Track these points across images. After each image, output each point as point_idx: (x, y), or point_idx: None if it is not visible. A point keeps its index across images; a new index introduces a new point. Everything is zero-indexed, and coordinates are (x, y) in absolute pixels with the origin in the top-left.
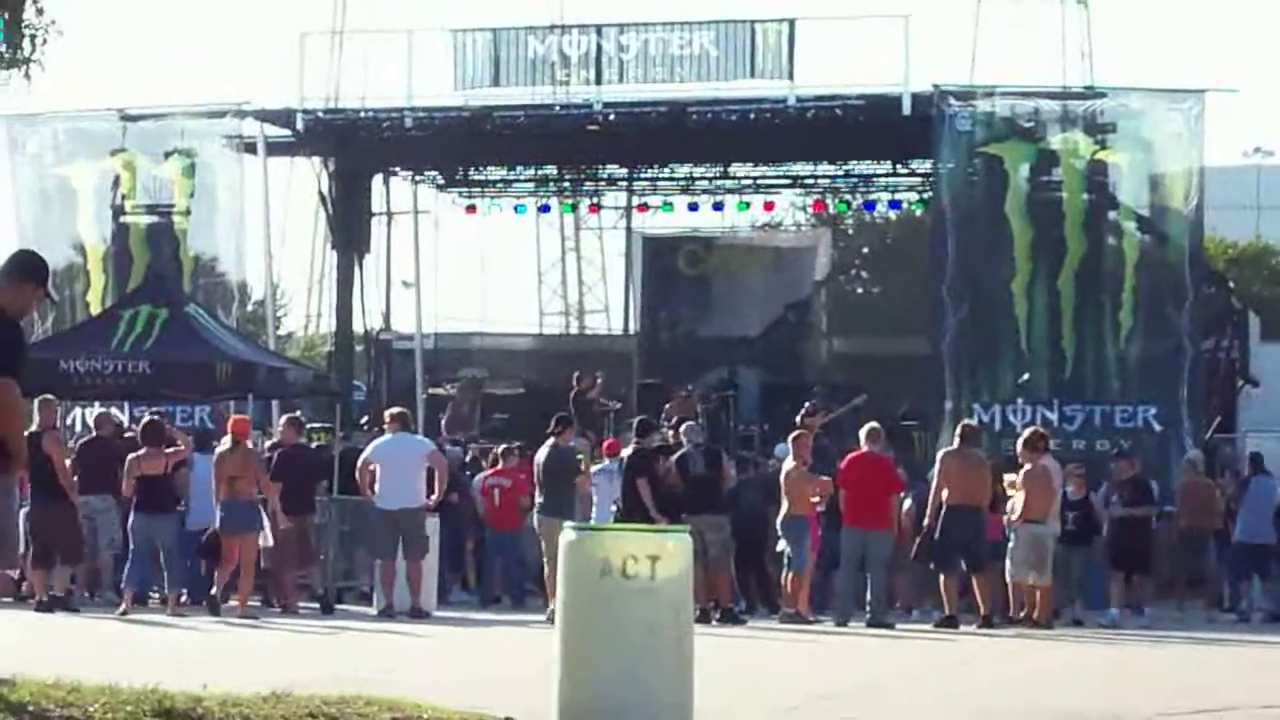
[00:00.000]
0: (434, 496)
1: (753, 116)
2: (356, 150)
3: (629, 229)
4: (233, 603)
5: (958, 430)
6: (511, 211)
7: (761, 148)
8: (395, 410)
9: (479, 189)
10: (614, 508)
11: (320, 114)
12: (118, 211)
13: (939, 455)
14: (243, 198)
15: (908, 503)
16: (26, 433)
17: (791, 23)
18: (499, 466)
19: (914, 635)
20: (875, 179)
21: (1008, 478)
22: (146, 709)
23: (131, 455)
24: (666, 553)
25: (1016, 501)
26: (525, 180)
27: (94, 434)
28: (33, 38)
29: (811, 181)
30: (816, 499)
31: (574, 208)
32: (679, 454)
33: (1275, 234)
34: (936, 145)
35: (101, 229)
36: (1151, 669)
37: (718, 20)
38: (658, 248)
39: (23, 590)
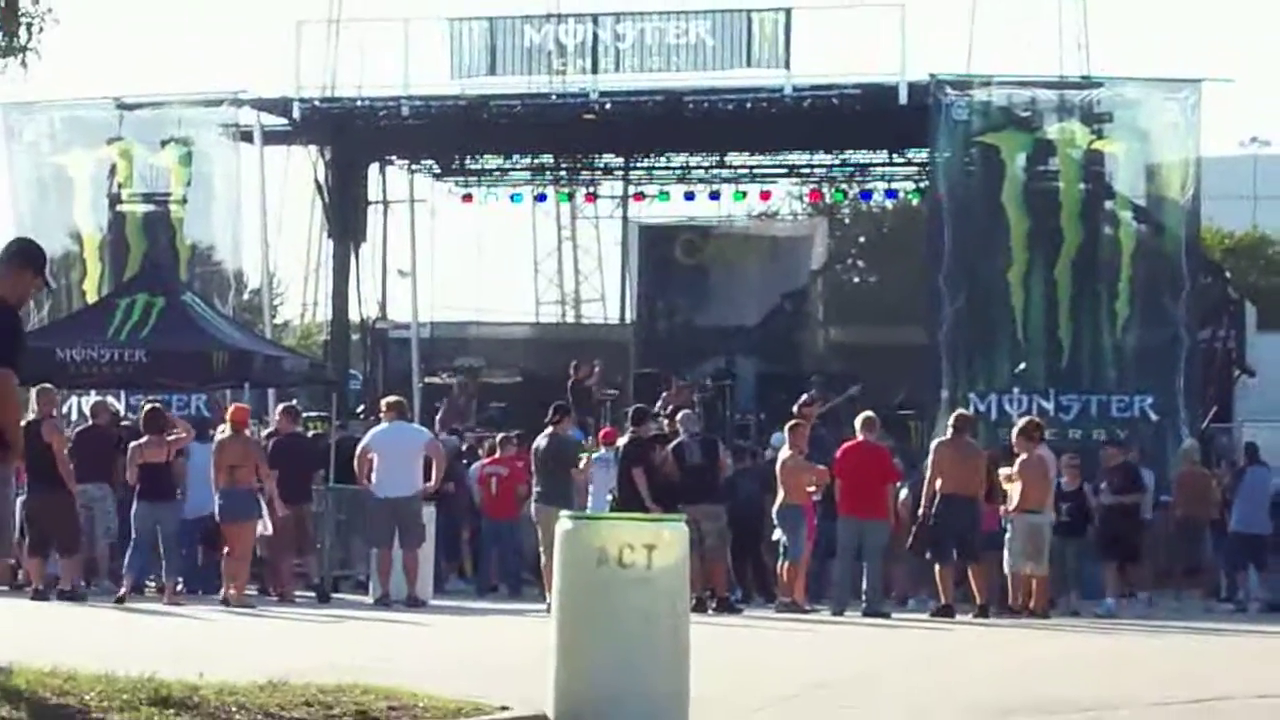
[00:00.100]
0: (431, 483)
1: (749, 106)
2: (353, 139)
3: (625, 218)
4: (231, 591)
5: (951, 420)
6: (508, 200)
7: (758, 137)
8: (391, 399)
9: (475, 178)
10: (610, 497)
11: (317, 103)
12: (114, 200)
13: (933, 445)
14: (239, 186)
15: (904, 492)
16: (25, 421)
17: (788, 12)
18: (496, 455)
19: (910, 625)
20: (872, 168)
21: (1002, 472)
22: (143, 697)
23: (134, 443)
24: (663, 542)
25: (1013, 492)
26: (521, 169)
27: (90, 422)
28: (29, 26)
29: (808, 171)
30: (812, 488)
31: (570, 197)
32: (675, 443)
33: (1272, 224)
34: (933, 134)
35: (98, 218)
36: (1148, 658)
37: (714, 10)
38: (654, 237)
39: (19, 579)
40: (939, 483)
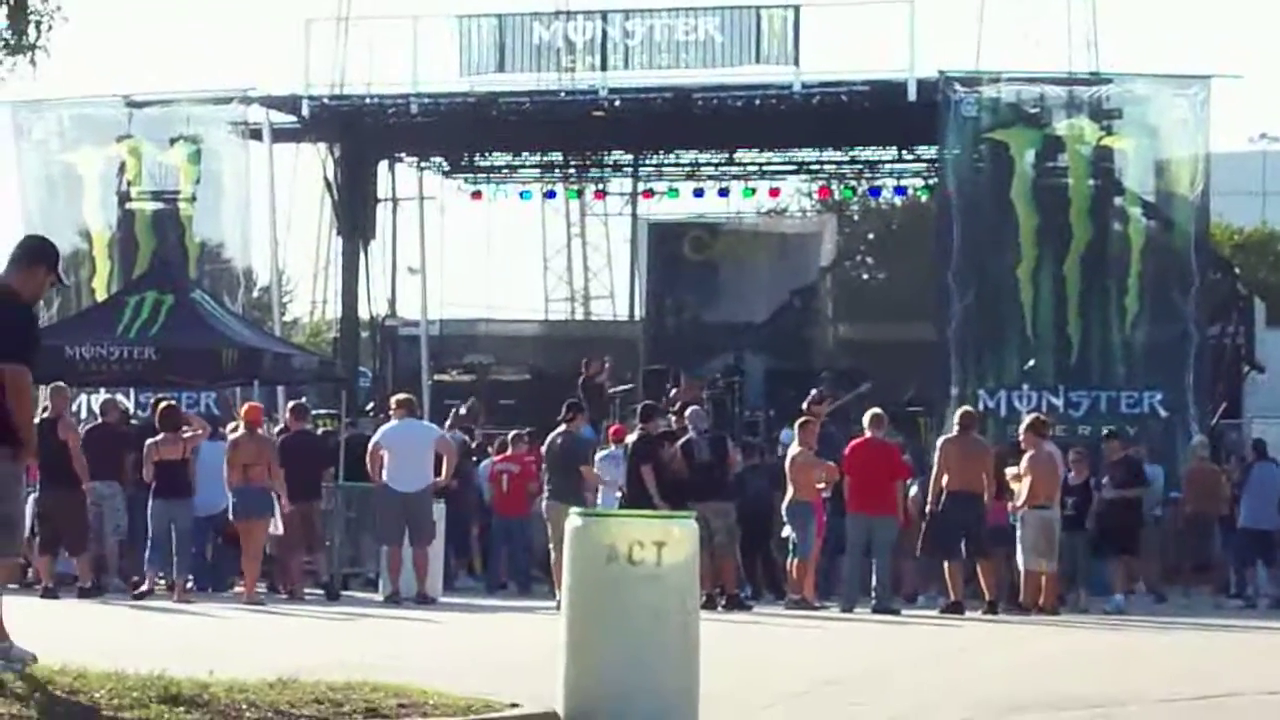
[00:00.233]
0: (442, 476)
1: (758, 102)
2: (362, 136)
3: (634, 215)
4: (238, 589)
5: (957, 417)
6: (517, 197)
7: (767, 133)
8: (401, 396)
9: (484, 175)
10: (619, 494)
11: (326, 100)
12: (123, 198)
13: (939, 442)
14: (248, 184)
15: (914, 489)
16: (39, 419)
17: (797, 9)
18: (508, 453)
19: (920, 621)
20: (881, 165)
21: (1009, 471)
22: (153, 695)
23: (149, 441)
24: (672, 539)
25: (1021, 487)
26: (531, 166)
27: (100, 420)
28: (38, 24)
29: (817, 167)
30: (822, 484)
31: (579, 194)
32: (684, 440)
33: None
34: (942, 131)
35: (107, 215)
36: (1157, 655)
37: (723, 6)
38: (663, 234)
39: (28, 577)
40: (945, 479)
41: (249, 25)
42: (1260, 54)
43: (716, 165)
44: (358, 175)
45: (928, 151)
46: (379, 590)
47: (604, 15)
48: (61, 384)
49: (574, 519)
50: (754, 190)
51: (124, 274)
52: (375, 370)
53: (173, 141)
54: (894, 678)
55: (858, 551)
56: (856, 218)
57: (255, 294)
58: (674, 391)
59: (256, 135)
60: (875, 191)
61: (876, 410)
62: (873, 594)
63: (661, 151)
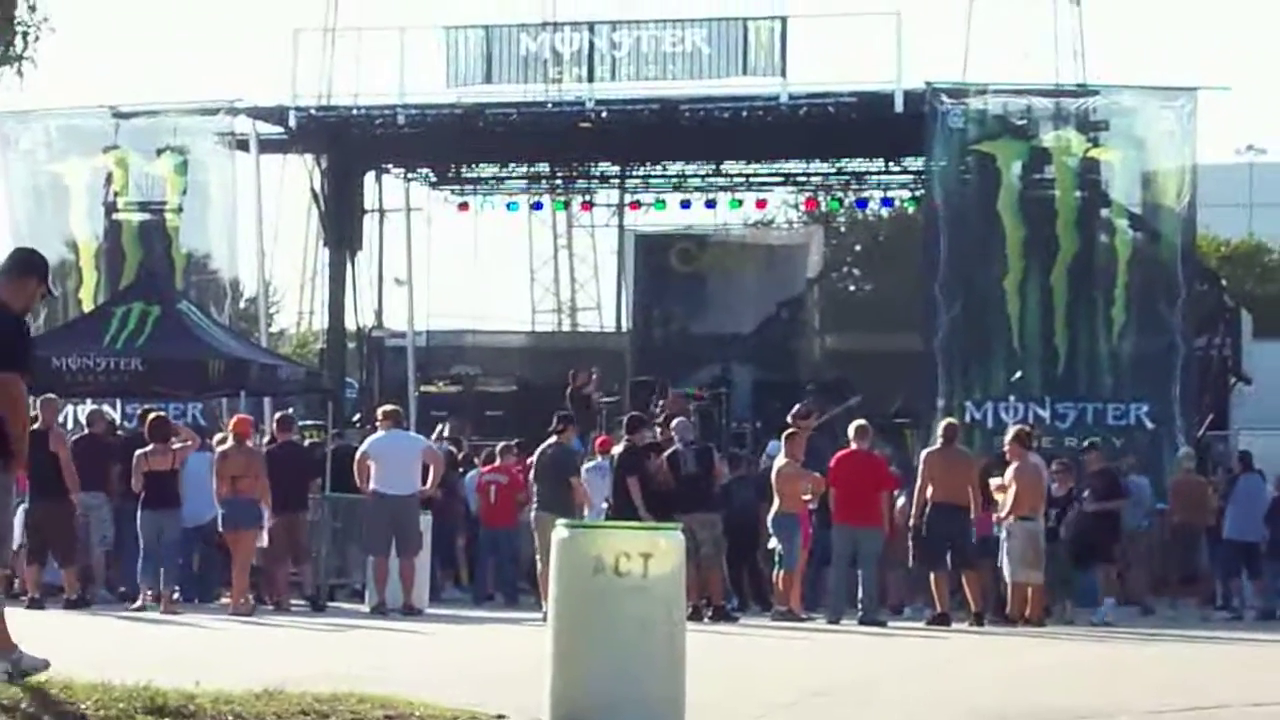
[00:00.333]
0: (428, 485)
1: (745, 114)
2: (349, 147)
3: (621, 226)
4: (224, 599)
5: (939, 429)
6: (504, 209)
7: (754, 145)
8: (388, 408)
9: (471, 186)
10: (605, 505)
11: (313, 111)
12: (110, 208)
13: (922, 454)
14: (235, 195)
15: (901, 500)
16: (31, 430)
17: (784, 20)
18: (496, 463)
19: (906, 633)
20: (868, 176)
21: (993, 481)
22: (138, 706)
23: (139, 451)
24: (659, 550)
25: (1006, 498)
26: (518, 177)
27: (86, 431)
28: (25, 34)
29: (804, 179)
30: (808, 496)
31: (566, 205)
32: (670, 452)
33: (1268, 231)
34: (929, 143)
35: (94, 226)
36: (1145, 666)
37: (710, 18)
38: (650, 245)
39: (14, 588)
40: (929, 491)
41: (236, 36)
42: (1247, 66)
43: (703, 177)
44: (344, 186)
45: (914, 163)
46: (365, 601)
47: (591, 27)
48: (53, 395)
49: (561, 530)
50: (741, 202)
51: (110, 285)
52: (362, 381)
53: (159, 152)
54: (881, 689)
55: (844, 563)
56: (843, 229)
57: (242, 305)
58: (660, 404)
59: (243, 146)
60: (862, 203)
61: (861, 421)
62: (859, 605)
63: (648, 163)
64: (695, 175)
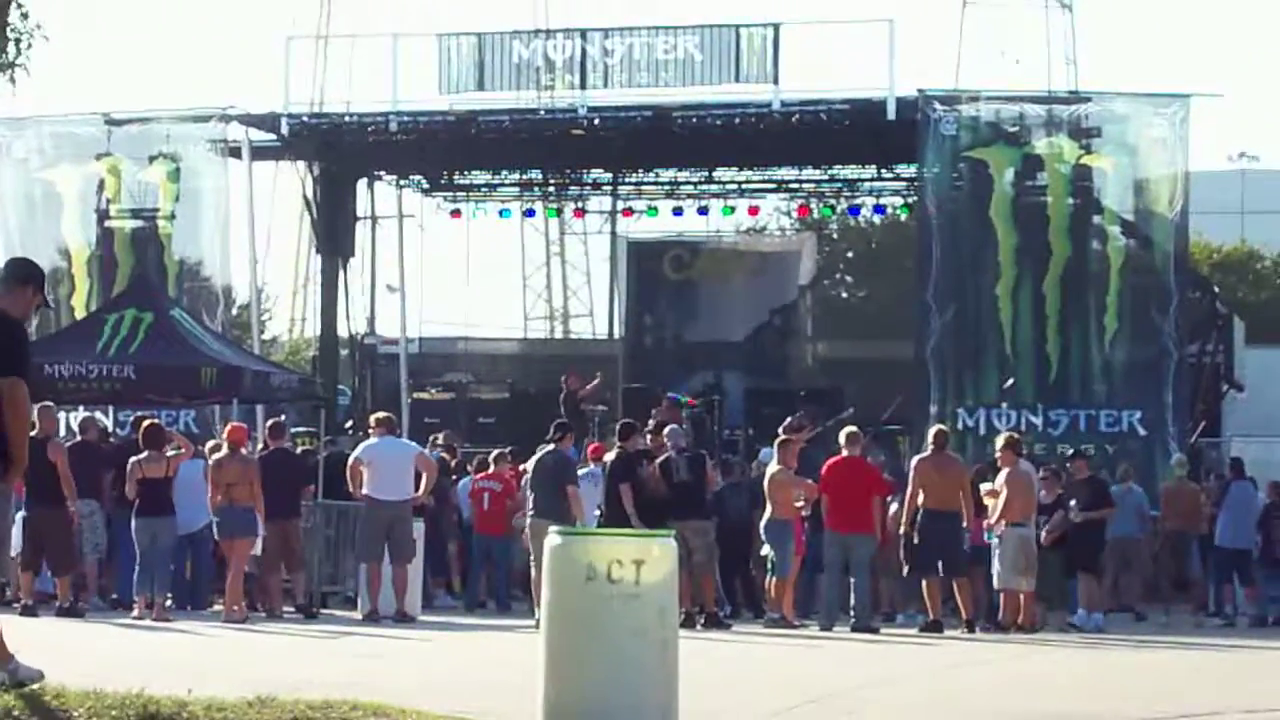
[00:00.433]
0: (420, 491)
1: (737, 121)
2: (341, 154)
3: (614, 233)
4: (217, 606)
5: (930, 436)
6: (496, 216)
7: (746, 152)
8: (381, 415)
9: (464, 193)
10: (597, 512)
11: (305, 118)
12: (103, 216)
13: (913, 461)
14: (227, 202)
15: (894, 506)
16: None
17: (776, 27)
18: (490, 470)
19: (899, 640)
20: (860, 183)
21: (984, 487)
22: (131, 714)
23: (133, 458)
24: (651, 557)
25: (996, 504)
26: (510, 184)
27: (79, 438)
28: (17, 42)
29: (796, 186)
30: (801, 503)
31: (559, 212)
32: (663, 459)
33: (1260, 238)
34: (921, 149)
35: (86, 233)
36: (1138, 673)
37: (702, 25)
38: (643, 252)
39: (6, 595)
40: (921, 498)
41: (228, 43)
42: (1240, 73)
43: (696, 184)
44: (337, 193)
45: (907, 170)
46: (358, 608)
47: (583, 34)
48: (50, 404)
49: (553, 537)
50: (733, 209)
51: (103, 292)
52: (354, 388)
53: (152, 159)
54: (874, 695)
55: (836, 570)
56: (836, 236)
57: (234, 312)
58: (655, 411)
59: (236, 153)
60: (854, 210)
61: (852, 428)
62: (852, 612)
63: (641, 170)
64: (688, 182)
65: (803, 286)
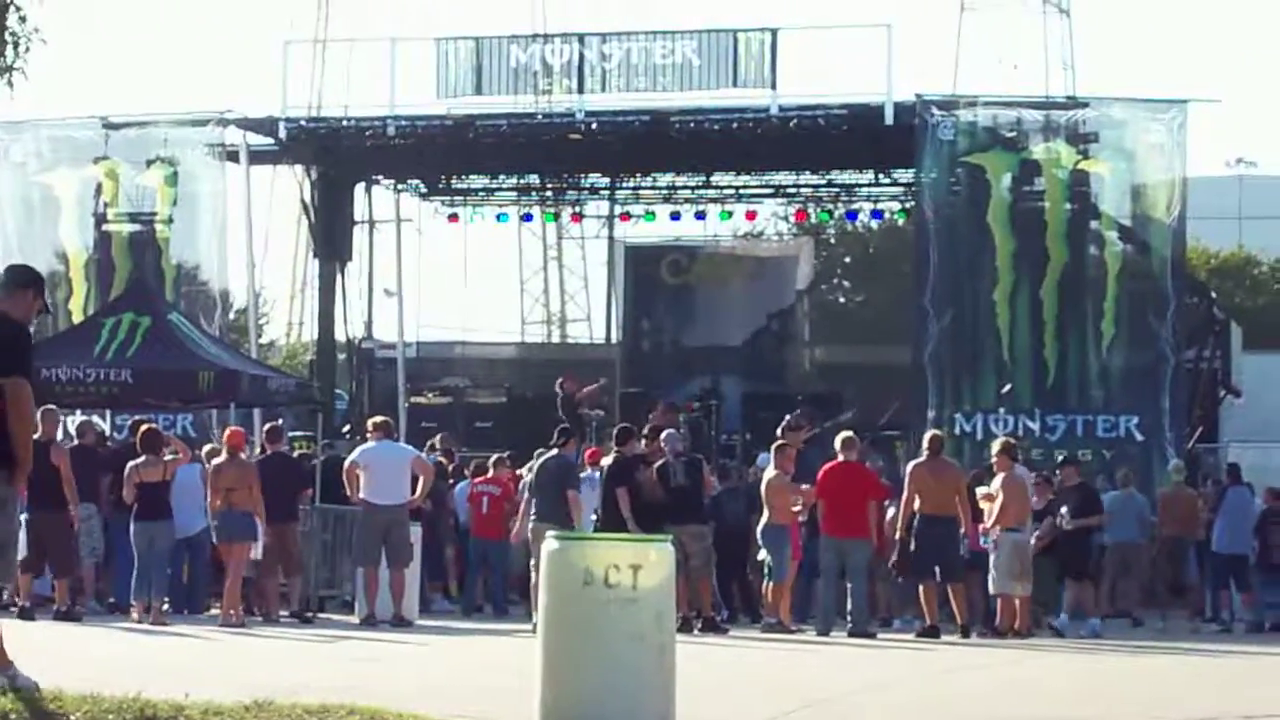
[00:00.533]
0: (417, 495)
1: (735, 126)
2: (339, 159)
3: (611, 238)
4: (214, 610)
5: (925, 441)
6: (494, 220)
7: (744, 157)
8: (378, 419)
9: (461, 197)
10: (594, 516)
11: (303, 122)
12: (100, 219)
13: (909, 467)
14: (225, 206)
15: (891, 511)
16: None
17: (774, 32)
18: (489, 474)
19: (896, 645)
20: (858, 188)
21: (980, 490)
22: (128, 717)
23: (131, 463)
24: (649, 562)
25: (992, 509)
26: (508, 189)
27: (76, 442)
28: (15, 45)
29: (794, 191)
30: (798, 508)
31: (556, 216)
32: (660, 463)
33: (1257, 244)
34: (919, 155)
35: (84, 237)
36: (1134, 678)
37: (700, 30)
38: (640, 257)
39: (4, 598)
40: (917, 503)
41: (226, 47)
42: (1237, 79)
43: (693, 188)
44: (335, 197)
45: (905, 175)
46: (355, 613)
47: (581, 38)
48: (52, 407)
49: (550, 542)
50: (731, 213)
51: (101, 296)
52: (352, 392)
53: (150, 163)
54: (871, 700)
55: (833, 574)
56: (833, 241)
57: (232, 316)
58: (652, 416)
59: (233, 157)
60: (852, 215)
61: (848, 434)
62: (848, 617)
63: (638, 174)
64: (685, 187)
65: (800, 291)
